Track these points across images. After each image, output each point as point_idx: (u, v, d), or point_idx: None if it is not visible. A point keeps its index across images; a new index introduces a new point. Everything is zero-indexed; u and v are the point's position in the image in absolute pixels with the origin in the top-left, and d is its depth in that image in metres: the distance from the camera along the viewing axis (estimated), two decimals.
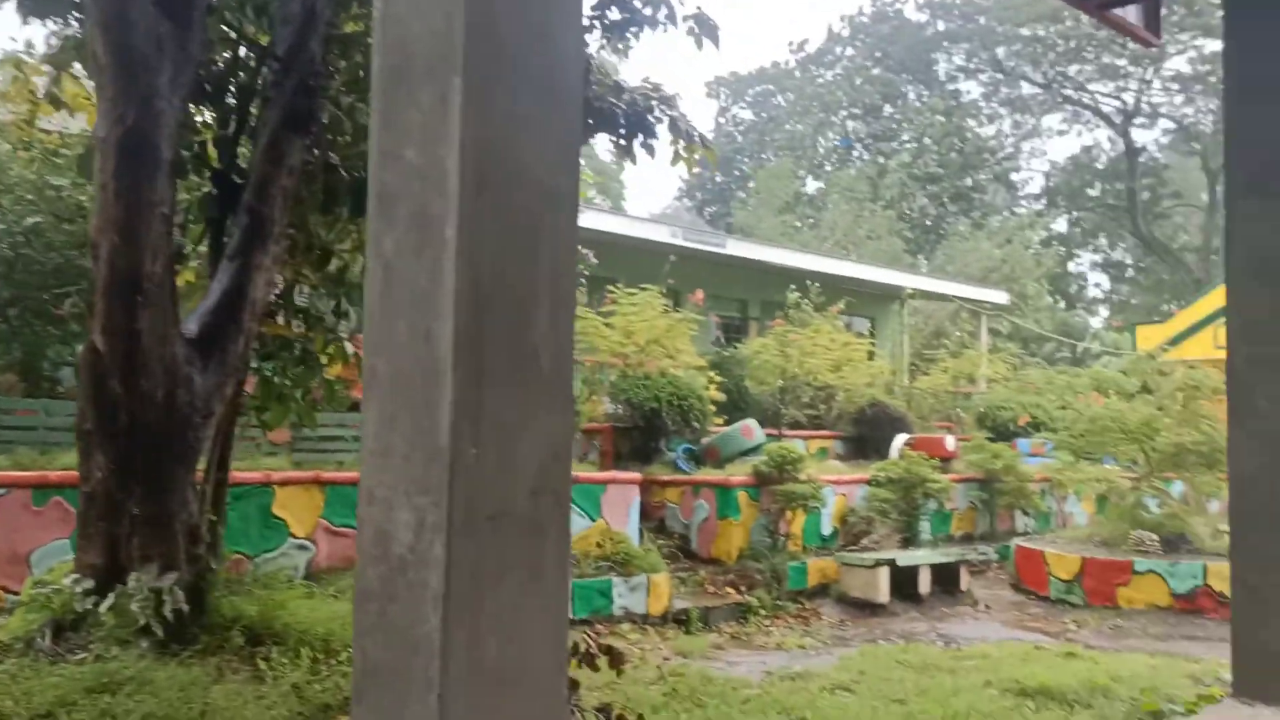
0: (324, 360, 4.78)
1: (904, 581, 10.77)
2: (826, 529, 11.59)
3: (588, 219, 15.74)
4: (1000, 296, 22.35)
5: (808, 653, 8.59)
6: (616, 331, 12.44)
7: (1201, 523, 11.87)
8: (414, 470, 2.58)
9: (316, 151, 5.01)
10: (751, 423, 12.17)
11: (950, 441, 13.81)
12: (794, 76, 50.41)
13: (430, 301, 2.59)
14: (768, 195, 36.24)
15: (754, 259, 17.85)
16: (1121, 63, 44.19)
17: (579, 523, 9.25)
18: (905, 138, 46.14)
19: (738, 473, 11.09)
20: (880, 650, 8.52)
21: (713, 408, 13.61)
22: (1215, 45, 42.52)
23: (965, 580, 11.40)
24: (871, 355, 16.22)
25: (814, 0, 71.67)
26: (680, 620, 9.22)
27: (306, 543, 7.62)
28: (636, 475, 9.86)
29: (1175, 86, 43.99)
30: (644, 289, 12.69)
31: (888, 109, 47.81)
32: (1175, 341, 21.06)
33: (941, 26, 47.08)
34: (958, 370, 17.23)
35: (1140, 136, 45.78)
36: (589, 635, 6.03)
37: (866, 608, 10.44)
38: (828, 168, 46.17)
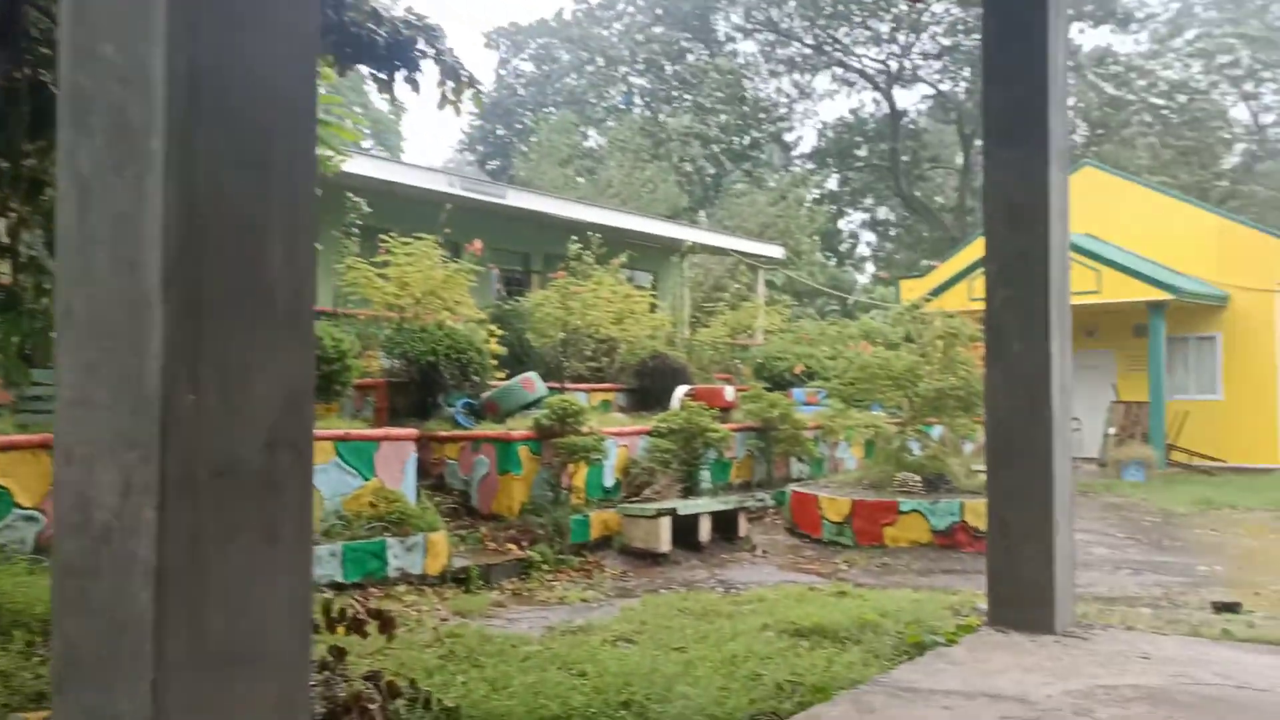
0: (38, 308, 4.20)
1: (685, 530, 10.88)
2: (609, 481, 11.56)
3: (359, 165, 14.99)
4: (776, 251, 23.01)
5: (590, 605, 8.51)
6: (391, 283, 11.90)
7: (958, 463, 12.59)
8: (119, 422, 2.19)
9: (24, 68, 4.37)
10: (533, 376, 11.96)
11: (729, 392, 14.07)
12: (576, 29, 50.01)
13: (134, 226, 2.19)
14: (549, 149, 35.88)
15: (535, 210, 17.58)
16: (885, 28, 46.28)
17: (351, 482, 8.80)
18: (686, 96, 46.74)
19: (519, 427, 10.87)
20: (661, 599, 8.54)
21: (494, 362, 13.29)
22: (967, 13, 45.17)
23: (744, 527, 11.65)
24: (653, 308, 16.30)
25: None
26: (460, 579, 8.95)
27: (35, 513, 6.86)
28: (412, 431, 9.46)
29: (934, 53, 46.50)
30: (420, 238, 12.18)
31: (669, 67, 48.22)
32: (935, 294, 22.32)
33: None
34: (736, 322, 17.60)
35: (902, 101, 48.27)
36: (357, 600, 5.68)
37: (649, 558, 10.48)
38: (610, 124, 46.19)
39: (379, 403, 11.59)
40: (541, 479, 10.74)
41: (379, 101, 49.52)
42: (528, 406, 11.66)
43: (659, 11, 48.12)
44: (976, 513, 11.24)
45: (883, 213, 52.80)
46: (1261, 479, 18.97)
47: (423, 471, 10.98)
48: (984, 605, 7.88)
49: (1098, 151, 37.76)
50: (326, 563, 8.04)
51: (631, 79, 48.34)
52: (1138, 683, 5.73)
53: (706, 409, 12.69)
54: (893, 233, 53.19)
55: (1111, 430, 19.81)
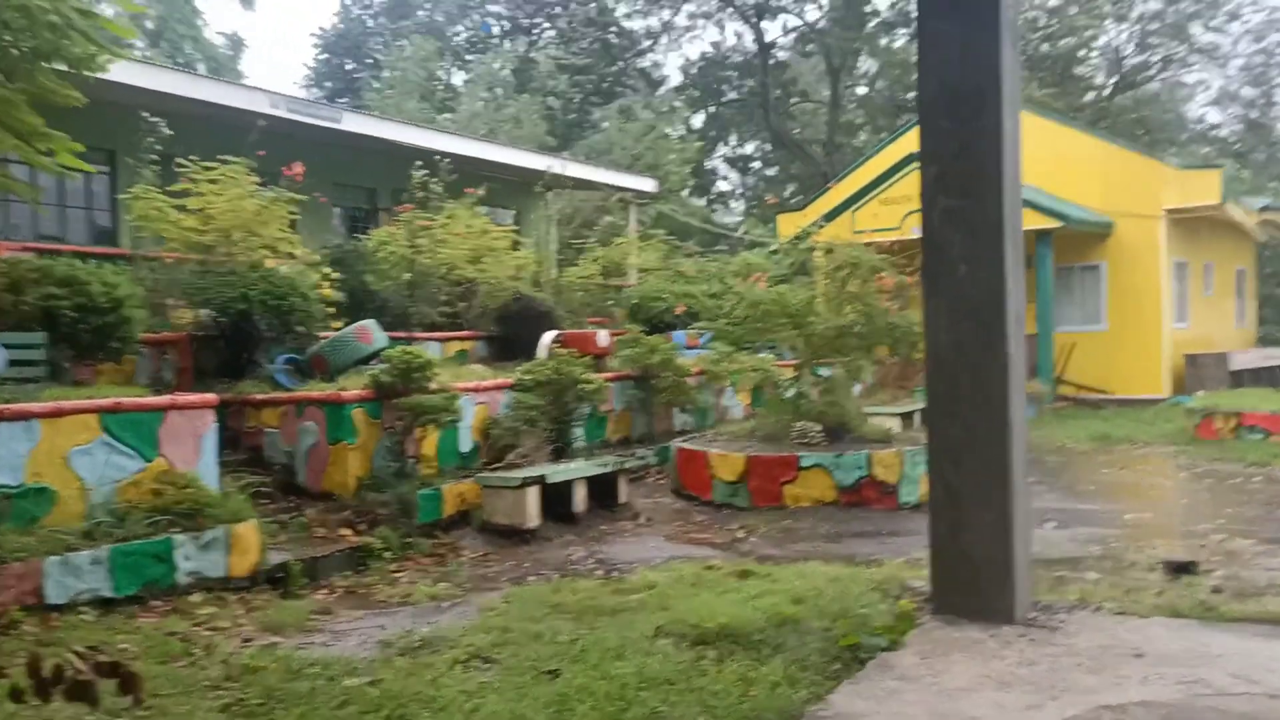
0: None
1: (557, 499, 9.29)
2: (466, 445, 9.86)
3: (157, 80, 12.73)
4: (648, 184, 21.37)
5: (441, 605, 6.85)
6: (191, 216, 9.83)
7: (853, 410, 11.34)
8: None
9: None
10: (369, 324, 10.08)
11: (603, 337, 12.45)
12: None
13: None
14: (403, 83, 33.23)
15: (378, 137, 15.48)
16: None
17: (126, 465, 6.88)
18: (548, 26, 44.41)
19: (353, 385, 9.04)
20: (529, 592, 6.93)
21: (330, 310, 11.38)
22: None
23: (625, 491, 10.12)
24: (516, 246, 14.51)
25: None
26: (276, 579, 7.15)
27: None
28: (210, 397, 7.53)
29: None
30: (227, 162, 10.12)
31: None
32: (817, 227, 21.14)
33: None
34: (608, 261, 15.93)
35: (769, 34, 46.89)
36: (78, 653, 3.90)
37: (515, 535, 8.85)
38: (468, 58, 43.51)
39: (181, 362, 9.58)
40: (383, 447, 8.98)
41: (213, 36, 45.73)
42: (365, 360, 9.84)
43: None
44: (884, 464, 9.99)
45: (747, 149, 51.68)
46: (1148, 410, 18.50)
47: (235, 444, 9.12)
48: (917, 583, 6.53)
49: None
50: (89, 574, 6.16)
51: (490, 7, 45.62)
52: (1148, 698, 4.43)
53: (578, 357, 11.08)
54: (763, 169, 52.15)
55: None
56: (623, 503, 10.02)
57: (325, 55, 46.73)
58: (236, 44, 46.34)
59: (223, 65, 45.63)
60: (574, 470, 9.47)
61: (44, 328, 7.51)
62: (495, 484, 8.97)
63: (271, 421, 9.08)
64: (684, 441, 11.26)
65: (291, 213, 10.45)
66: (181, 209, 9.94)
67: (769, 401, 11.52)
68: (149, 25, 43.49)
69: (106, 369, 9.77)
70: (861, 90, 48.72)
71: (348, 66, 45.73)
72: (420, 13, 45.45)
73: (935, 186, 5.84)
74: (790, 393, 11.06)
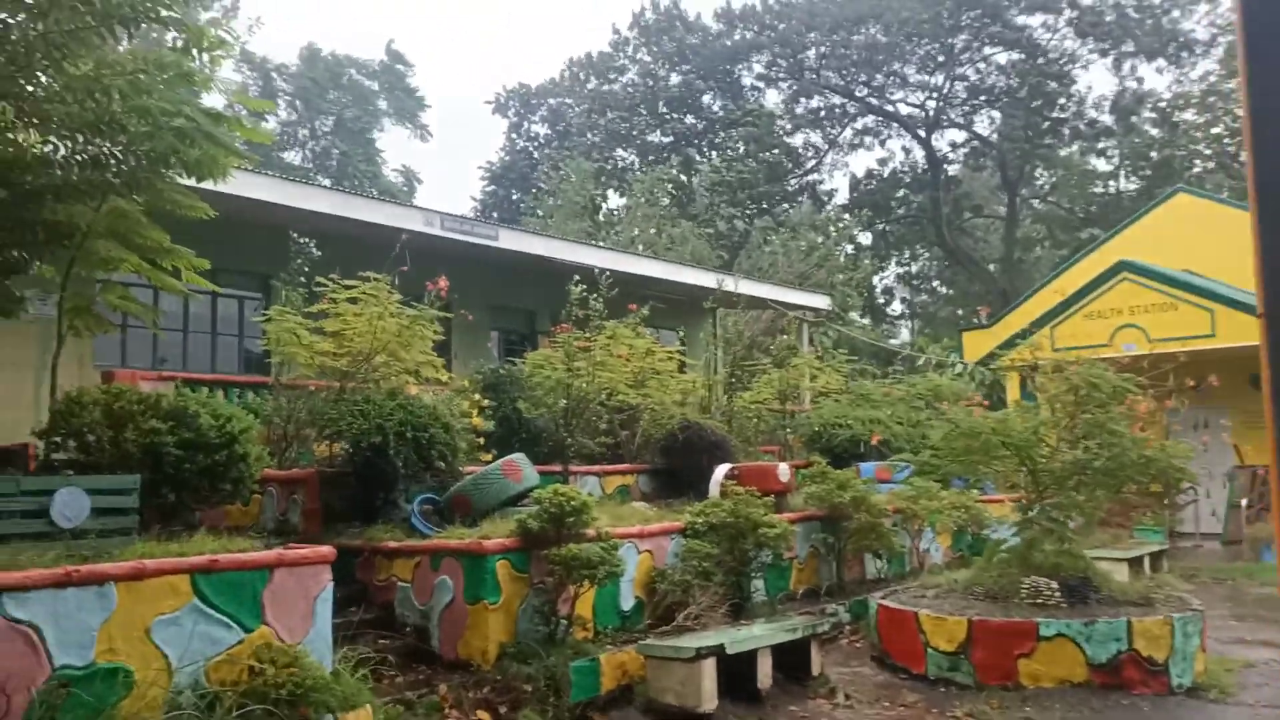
0: None
1: (737, 672, 7.63)
2: (627, 603, 8.34)
3: (309, 199, 12.14)
4: (822, 301, 19.87)
5: None
6: (326, 340, 8.86)
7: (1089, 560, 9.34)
8: None
9: None
10: (519, 459, 8.76)
11: (783, 471, 10.82)
12: (586, 86, 47.67)
13: None
14: (564, 207, 33.11)
15: (536, 254, 14.58)
16: (915, 73, 43.63)
17: (221, 636, 5.63)
18: (708, 149, 44.15)
19: (497, 532, 7.69)
20: None
21: (478, 441, 10.23)
22: (1006, 56, 42.53)
23: (818, 661, 8.36)
24: (682, 368, 13.16)
25: (592, 5, 70.15)
26: None
27: None
28: (326, 550, 6.28)
29: (969, 97, 43.72)
30: (368, 278, 9.16)
31: (689, 119, 45.73)
32: (1009, 345, 19.18)
33: (739, 36, 45.36)
34: (785, 383, 14.38)
35: (939, 148, 45.36)
36: None
37: None
38: (628, 180, 43.58)
39: (308, 503, 8.46)
40: (530, 608, 7.55)
41: (391, 175, 47.41)
42: (513, 500, 8.52)
43: (675, 60, 45.70)
44: (1149, 635, 7.93)
45: (917, 266, 49.62)
46: None
47: (364, 599, 7.89)
48: None
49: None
50: None
51: (649, 136, 45.75)
52: None
53: (757, 495, 9.50)
54: (934, 287, 49.95)
55: (1244, 501, 16.35)
56: (816, 675, 8.25)
57: (492, 187, 47.74)
58: (410, 177, 47.94)
59: (402, 201, 47.15)
60: (758, 636, 7.78)
61: (148, 468, 6.47)
62: (663, 654, 7.38)
63: (404, 574, 7.80)
64: (885, 597, 9.43)
65: (436, 332, 9.39)
66: (318, 331, 8.99)
67: (988, 550, 9.59)
68: (332, 164, 45.50)
69: (233, 510, 8.80)
70: (1037, 204, 46.44)
71: (513, 196, 46.48)
72: (583, 138, 45.97)
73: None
74: (1014, 540, 9.13)
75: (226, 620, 5.69)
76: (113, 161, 7.15)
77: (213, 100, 8.24)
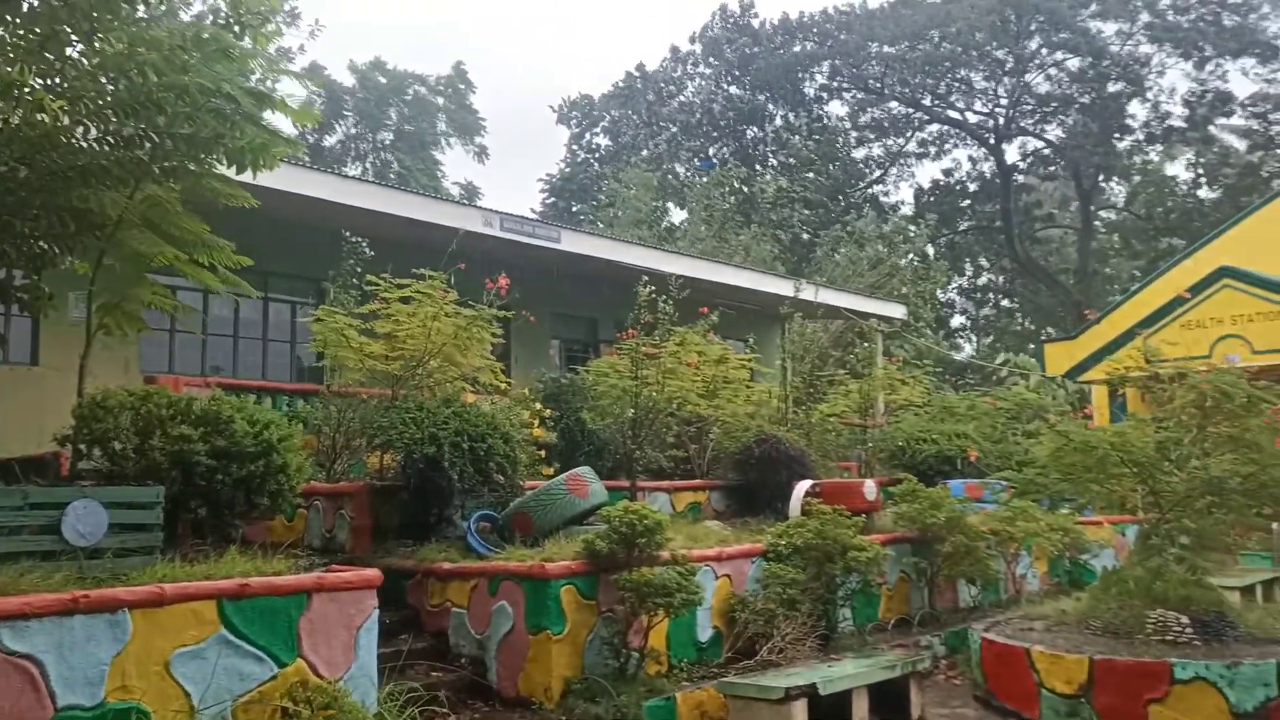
0: None
1: (827, 714, 6.77)
2: (705, 634, 7.54)
3: (360, 196, 11.56)
4: (897, 310, 18.94)
5: None
6: (377, 342, 8.19)
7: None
8: None
9: None
10: (585, 473, 7.98)
11: (870, 488, 9.95)
12: (647, 97, 47.07)
13: None
14: (625, 215, 32.47)
15: (598, 257, 13.86)
16: (983, 82, 42.40)
17: (249, 671, 4.95)
18: (771, 160, 43.25)
19: (561, 554, 6.94)
20: None
21: (539, 453, 9.53)
22: (1077, 62, 41.09)
23: (917, 701, 7.47)
24: (754, 377, 12.33)
25: (657, 13, 69.70)
26: None
27: None
28: (371, 573, 5.56)
29: (1041, 104, 42.34)
30: (424, 275, 8.48)
31: (751, 130, 44.90)
32: (1096, 359, 18.09)
33: (799, 48, 44.47)
34: (865, 393, 13.47)
35: (1009, 157, 44.02)
36: None
37: None
38: (691, 192, 42.85)
39: (357, 519, 7.79)
40: (598, 638, 6.78)
41: (451, 188, 47.17)
42: (578, 519, 7.76)
43: (737, 73, 44.94)
44: None
45: (986, 278, 48.18)
46: None
47: (415, 625, 7.18)
48: None
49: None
50: None
51: (711, 148, 44.96)
52: None
53: (845, 515, 8.65)
54: (1001, 300, 48.44)
55: None
56: (916, 719, 7.36)
57: (552, 199, 47.29)
58: (471, 192, 47.66)
59: (471, 193, 46.91)
60: (852, 675, 6.92)
61: (178, 479, 5.82)
62: (748, 694, 6.54)
63: (459, 599, 7.07)
64: (988, 629, 8.49)
65: (495, 334, 8.68)
66: (369, 333, 8.34)
67: (1104, 578, 8.62)
68: (392, 178, 45.42)
69: (277, 526, 8.17)
70: (1111, 215, 44.87)
71: (574, 208, 45.98)
72: (645, 151, 45.35)
73: None
74: (1138, 568, 8.15)
75: (258, 653, 5.02)
76: (148, 144, 6.58)
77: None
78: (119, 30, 6.51)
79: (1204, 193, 41.27)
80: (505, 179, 77.51)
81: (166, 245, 6.87)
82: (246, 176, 6.72)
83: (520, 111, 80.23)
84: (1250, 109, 38.63)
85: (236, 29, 6.74)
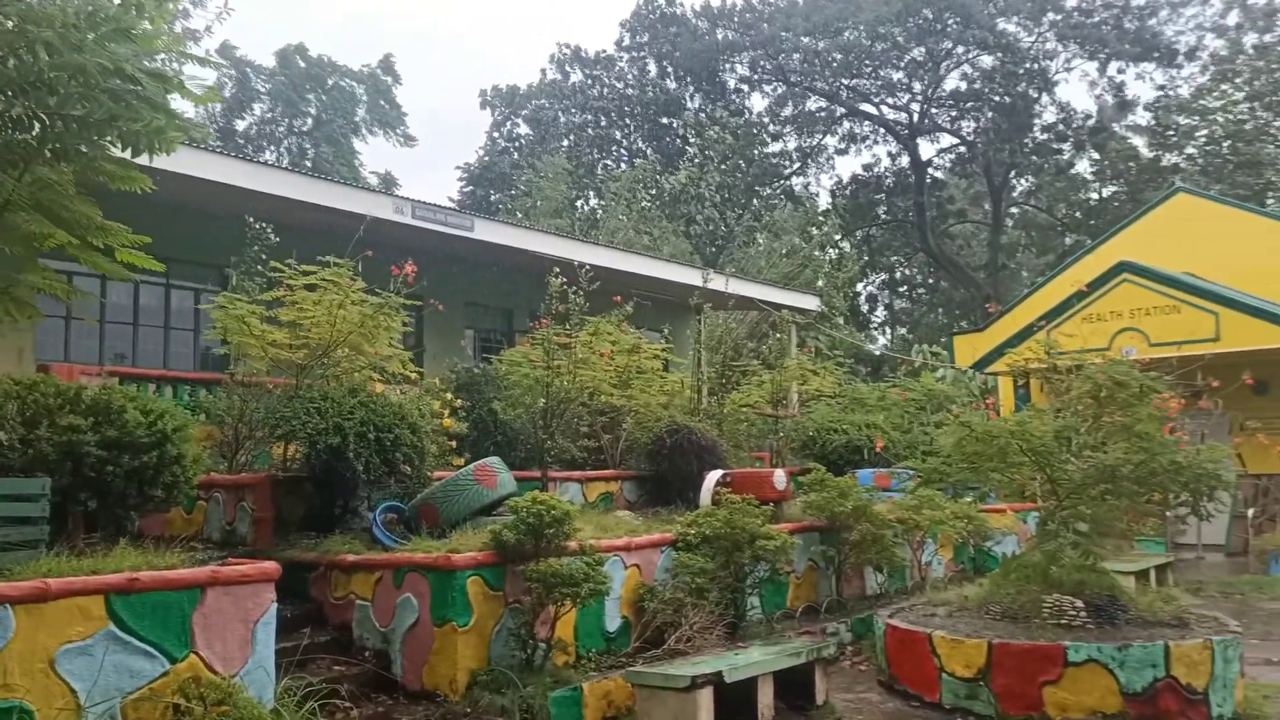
0: None
1: (734, 700, 6.84)
2: (613, 624, 7.55)
3: (266, 181, 11.29)
4: (811, 302, 19.17)
5: None
6: (280, 330, 8.02)
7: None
8: None
9: None
10: (493, 463, 7.93)
11: (780, 478, 10.06)
12: (571, 88, 46.88)
13: None
14: (540, 206, 32.30)
15: (512, 246, 13.76)
16: (899, 76, 43.06)
17: (140, 668, 4.81)
18: (690, 151, 43.40)
19: (468, 545, 6.88)
20: None
21: (450, 444, 9.45)
22: (989, 61, 41.99)
23: (822, 687, 7.58)
24: (667, 367, 12.37)
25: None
26: None
27: None
28: (269, 566, 5.45)
29: (953, 101, 43.20)
30: (330, 262, 8.33)
31: (673, 122, 44.99)
32: (1001, 351, 18.52)
33: (721, 35, 44.65)
34: (777, 384, 13.61)
35: (923, 153, 44.86)
36: None
37: None
38: (611, 185, 42.85)
39: (258, 511, 7.62)
40: (504, 630, 6.74)
41: (370, 178, 46.29)
42: (487, 510, 7.70)
43: (663, 64, 44.99)
44: (1188, 661, 7.20)
45: (901, 272, 49.08)
46: None
47: (318, 619, 7.06)
48: None
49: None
50: None
51: (632, 137, 45.00)
52: None
53: (753, 504, 8.74)
54: (915, 293, 49.40)
55: (1250, 511, 15.71)
56: (821, 704, 7.47)
57: (470, 187, 46.82)
58: (389, 182, 46.89)
59: (389, 181, 46.13)
60: (758, 662, 7.00)
61: (67, 471, 5.63)
62: (655, 683, 6.58)
63: (363, 591, 6.98)
64: (892, 616, 8.66)
65: (404, 322, 8.57)
66: (273, 321, 8.16)
67: (1004, 565, 8.86)
68: (308, 165, 44.46)
69: (176, 519, 7.96)
70: (1019, 210, 46.00)
71: (492, 197, 45.59)
72: (564, 141, 45.16)
73: None
74: (1036, 554, 8.38)
75: (148, 649, 4.87)
76: (37, 125, 6.34)
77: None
78: (9, 6, 6.27)
79: (1108, 190, 42.55)
80: (428, 175, 76.48)
81: (57, 229, 6.64)
82: (144, 159, 6.53)
83: (448, 111, 79.11)
84: (1150, 108, 39.94)
85: (135, 8, 6.53)
